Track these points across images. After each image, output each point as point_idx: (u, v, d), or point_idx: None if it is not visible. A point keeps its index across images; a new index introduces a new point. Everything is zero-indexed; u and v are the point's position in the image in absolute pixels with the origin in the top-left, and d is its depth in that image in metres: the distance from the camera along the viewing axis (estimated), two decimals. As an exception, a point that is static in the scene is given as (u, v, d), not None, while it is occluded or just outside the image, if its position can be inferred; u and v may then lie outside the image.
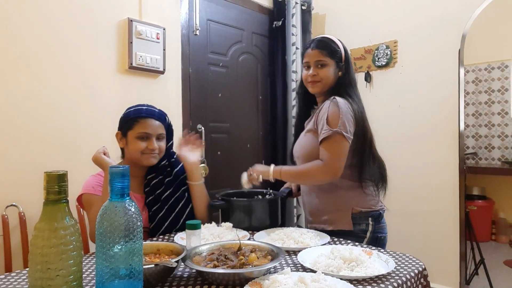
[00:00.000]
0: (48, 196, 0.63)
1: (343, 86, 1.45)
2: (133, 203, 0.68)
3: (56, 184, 0.63)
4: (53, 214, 0.63)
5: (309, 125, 1.48)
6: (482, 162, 4.70)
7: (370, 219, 1.40)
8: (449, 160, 2.43)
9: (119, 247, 0.65)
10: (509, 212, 4.43)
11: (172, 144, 1.53)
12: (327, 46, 1.45)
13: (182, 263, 0.94)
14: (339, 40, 1.50)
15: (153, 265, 0.85)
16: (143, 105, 1.44)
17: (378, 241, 1.40)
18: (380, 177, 1.45)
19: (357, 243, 1.26)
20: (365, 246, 1.23)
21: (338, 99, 1.38)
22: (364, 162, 1.41)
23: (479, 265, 2.90)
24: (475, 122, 4.78)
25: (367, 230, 1.39)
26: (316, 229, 1.43)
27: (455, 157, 2.41)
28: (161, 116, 1.44)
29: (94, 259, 1.11)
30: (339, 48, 1.47)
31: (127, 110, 1.44)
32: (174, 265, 0.83)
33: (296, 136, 1.60)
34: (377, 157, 1.47)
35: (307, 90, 1.52)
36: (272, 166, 1.47)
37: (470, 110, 4.75)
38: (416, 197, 2.56)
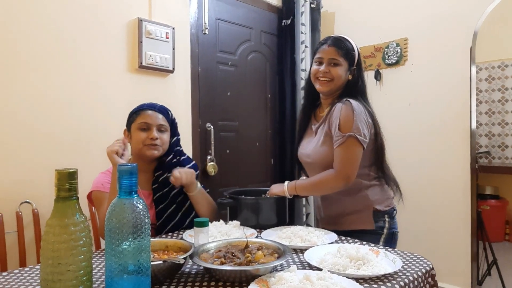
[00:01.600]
0: (59, 193, 0.65)
1: (355, 90, 1.44)
2: (141, 200, 0.70)
3: (67, 182, 0.65)
4: (63, 211, 0.65)
5: (322, 129, 1.44)
6: (495, 161, 4.63)
7: (386, 216, 1.41)
8: (461, 159, 2.40)
9: (127, 243, 0.67)
10: (522, 212, 4.36)
11: (178, 140, 1.53)
12: (344, 46, 1.43)
13: (190, 260, 0.96)
14: (354, 43, 1.48)
15: (161, 262, 0.87)
16: (147, 102, 1.48)
17: (393, 237, 1.42)
18: (394, 179, 1.46)
19: (364, 242, 1.26)
20: (372, 245, 1.23)
21: (352, 101, 1.36)
22: (381, 161, 1.42)
23: (491, 266, 2.86)
24: (488, 121, 4.70)
25: (384, 226, 1.40)
26: (333, 230, 1.41)
27: (466, 156, 2.38)
28: (162, 109, 1.46)
29: (104, 256, 1.14)
30: (353, 51, 1.45)
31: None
32: (182, 261, 0.85)
33: (301, 135, 1.58)
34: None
35: (314, 87, 1.49)
36: (286, 183, 1.46)
37: (483, 109, 4.68)
38: (426, 196, 2.53)
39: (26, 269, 1.04)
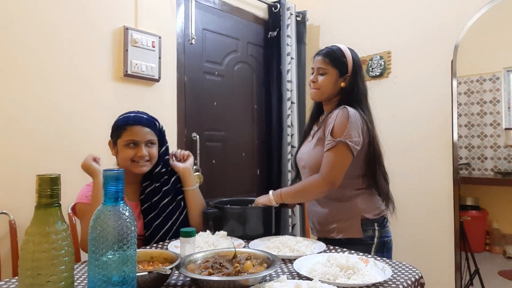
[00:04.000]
0: (40, 199, 0.62)
1: (351, 98, 1.44)
2: (127, 207, 0.67)
3: (49, 188, 0.62)
4: (45, 218, 0.62)
5: (317, 134, 1.47)
6: (475, 173, 4.73)
7: (375, 224, 1.40)
8: (443, 170, 2.44)
9: (112, 253, 0.64)
10: (502, 223, 4.44)
11: (166, 149, 1.51)
12: (331, 55, 1.46)
13: (176, 271, 0.93)
14: (352, 50, 1.50)
15: (146, 273, 0.84)
16: (132, 112, 1.43)
17: (385, 245, 1.41)
18: (386, 191, 1.46)
19: (353, 252, 1.25)
20: (361, 254, 1.22)
21: (349, 108, 1.38)
22: (374, 173, 1.42)
23: (474, 276, 2.89)
24: (467, 133, 4.82)
25: (374, 236, 1.39)
26: (324, 238, 1.43)
27: (449, 168, 2.42)
28: (150, 122, 1.42)
29: (86, 267, 1.09)
30: (345, 58, 1.46)
31: (117, 118, 1.43)
32: (168, 272, 0.82)
33: (302, 140, 1.60)
34: (385, 173, 1.48)
35: None
36: (271, 192, 1.46)
37: (463, 121, 4.79)
38: (410, 207, 2.56)
39: (1, 283, 0.98)
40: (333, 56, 1.45)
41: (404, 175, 2.58)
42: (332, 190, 1.34)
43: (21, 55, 1.62)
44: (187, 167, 1.51)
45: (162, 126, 1.49)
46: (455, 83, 2.42)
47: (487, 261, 3.90)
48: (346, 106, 1.38)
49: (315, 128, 1.54)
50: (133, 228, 0.66)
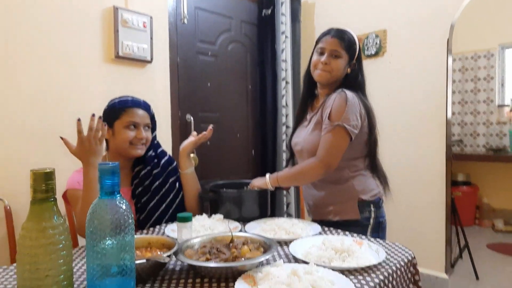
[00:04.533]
0: (35, 195, 0.62)
1: (354, 85, 1.43)
2: (124, 201, 0.67)
3: (43, 183, 0.62)
4: (41, 213, 0.61)
5: (315, 118, 1.45)
6: (467, 149, 4.79)
7: (372, 205, 1.42)
8: (437, 147, 2.46)
9: (110, 245, 0.64)
10: (492, 197, 4.55)
11: (155, 135, 1.53)
12: (347, 39, 1.42)
13: (174, 257, 0.94)
14: (356, 36, 1.47)
15: (144, 260, 0.85)
16: (128, 96, 1.45)
17: (380, 226, 1.44)
18: (383, 172, 1.48)
19: (347, 233, 1.28)
20: (355, 235, 1.24)
21: (347, 91, 1.36)
22: (374, 154, 1.43)
23: (463, 250, 2.98)
24: (460, 110, 4.85)
25: (370, 217, 1.41)
26: (321, 220, 1.45)
27: (442, 145, 2.44)
28: (146, 106, 1.46)
29: (84, 254, 1.10)
30: (355, 44, 1.44)
31: (111, 101, 1.44)
32: (167, 260, 0.83)
33: (297, 124, 1.58)
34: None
35: (313, 78, 1.49)
36: (268, 175, 1.46)
37: (456, 98, 4.81)
38: (403, 184, 2.59)
39: None
40: (349, 41, 1.42)
41: (398, 154, 2.60)
42: (329, 173, 1.35)
43: (5, 39, 1.57)
44: (184, 148, 1.54)
45: (153, 113, 1.50)
46: (450, 61, 2.41)
47: (476, 235, 4.03)
48: (344, 90, 1.37)
49: (310, 113, 1.53)
50: (130, 221, 0.67)
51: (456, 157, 2.91)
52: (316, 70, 1.45)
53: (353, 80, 1.44)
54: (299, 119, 1.58)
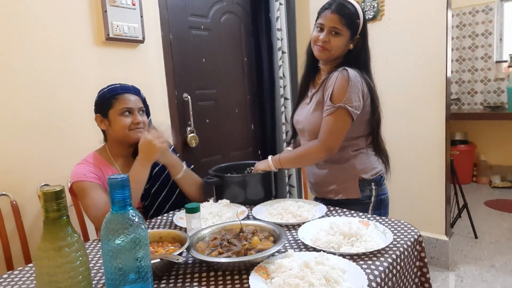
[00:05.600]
0: (48, 214, 0.61)
1: (357, 62, 1.38)
2: (136, 213, 0.67)
3: (54, 202, 0.61)
4: (55, 233, 0.61)
5: (316, 96, 1.42)
6: (464, 108, 4.79)
7: (373, 184, 1.43)
8: (436, 108, 2.43)
9: (127, 258, 0.65)
10: (489, 155, 4.61)
11: (150, 119, 1.51)
12: (348, 14, 1.34)
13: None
14: (362, 9, 1.39)
15: (158, 260, 0.86)
16: (116, 84, 1.43)
17: (382, 203, 1.45)
18: (386, 151, 1.47)
19: (358, 213, 1.29)
20: (362, 215, 1.26)
21: (349, 70, 1.32)
22: (377, 132, 1.42)
23: (462, 210, 3.06)
24: (458, 68, 4.79)
25: (371, 195, 1.42)
26: (322, 199, 1.46)
27: (441, 105, 2.41)
28: (136, 90, 1.44)
29: (95, 248, 1.12)
30: (358, 19, 1.36)
31: (100, 91, 1.42)
32: (181, 260, 0.84)
33: (299, 101, 1.55)
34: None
35: (313, 53, 1.44)
36: (270, 158, 1.46)
37: (454, 56, 4.73)
38: (404, 148, 2.59)
39: (15, 272, 1.01)
40: (350, 18, 1.34)
41: (398, 120, 2.59)
42: (331, 155, 1.35)
43: (-8, 27, 1.50)
44: (167, 158, 1.39)
45: (144, 96, 1.48)
46: (450, 16, 2.34)
47: (474, 192, 4.12)
48: (347, 68, 1.32)
49: (312, 89, 1.49)
50: (145, 232, 0.67)
51: (454, 116, 2.90)
52: (315, 46, 1.40)
53: (356, 57, 1.39)
54: (301, 96, 1.55)
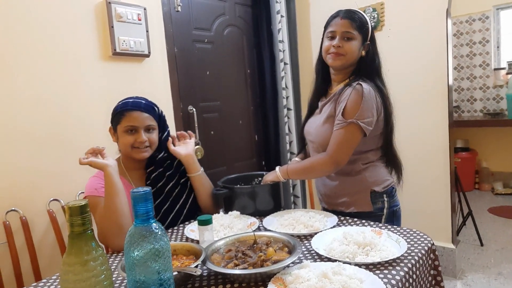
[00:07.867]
0: (73, 229, 0.62)
1: (370, 69, 1.37)
2: (159, 225, 0.67)
3: (79, 216, 0.61)
4: (80, 247, 0.62)
5: (328, 108, 1.41)
6: (465, 115, 4.82)
7: (384, 196, 1.41)
8: (439, 116, 2.45)
9: (150, 271, 0.65)
10: (491, 161, 4.62)
11: (168, 134, 1.50)
12: (358, 18, 1.34)
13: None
14: (367, 16, 1.41)
15: (176, 273, 0.86)
16: (131, 98, 1.42)
17: (394, 214, 1.43)
18: (398, 163, 1.47)
19: (370, 223, 1.28)
20: (373, 224, 1.26)
21: (364, 85, 1.31)
22: (390, 145, 1.42)
23: (467, 217, 3.05)
24: (457, 75, 4.84)
25: (383, 207, 1.40)
26: (333, 211, 1.44)
27: (444, 112, 2.43)
28: (148, 107, 1.40)
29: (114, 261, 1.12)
30: (367, 24, 1.37)
31: (117, 103, 1.42)
32: (199, 272, 0.84)
33: (310, 111, 1.55)
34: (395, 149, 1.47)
35: (326, 65, 1.44)
36: (278, 168, 1.46)
37: (452, 64, 4.77)
38: (407, 157, 2.55)
39: (40, 284, 1.00)
40: (361, 21, 1.34)
41: (402, 129, 2.57)
42: (338, 169, 1.35)
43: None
44: (189, 154, 1.48)
45: (162, 111, 1.47)
46: (450, 25, 2.37)
47: (477, 199, 4.12)
48: (361, 83, 1.31)
49: (323, 99, 1.48)
50: (168, 245, 0.67)
51: (455, 124, 2.92)
52: (329, 55, 1.37)
53: (370, 64, 1.38)
54: (312, 108, 1.54)
